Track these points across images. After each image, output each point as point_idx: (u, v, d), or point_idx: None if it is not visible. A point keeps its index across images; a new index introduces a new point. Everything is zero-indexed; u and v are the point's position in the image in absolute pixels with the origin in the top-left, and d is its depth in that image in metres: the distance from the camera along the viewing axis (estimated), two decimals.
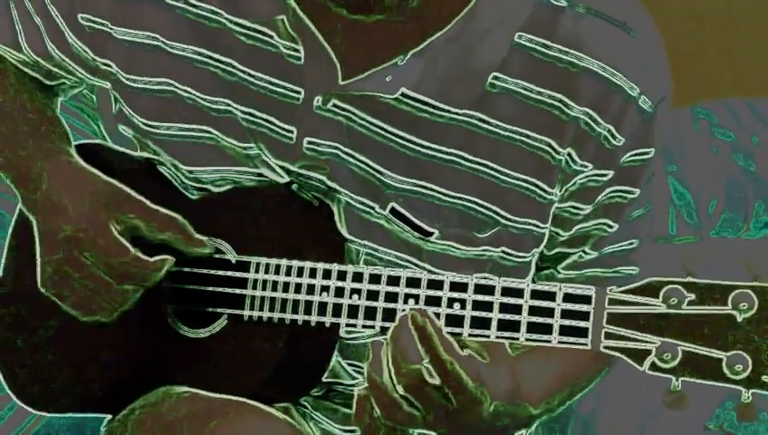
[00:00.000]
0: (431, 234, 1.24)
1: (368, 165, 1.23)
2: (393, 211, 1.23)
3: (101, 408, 1.36)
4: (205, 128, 1.27)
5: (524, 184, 1.22)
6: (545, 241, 1.26)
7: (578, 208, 1.25)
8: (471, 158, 1.21)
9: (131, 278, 1.24)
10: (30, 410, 1.37)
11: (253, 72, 1.23)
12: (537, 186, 1.22)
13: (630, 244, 1.29)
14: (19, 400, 1.37)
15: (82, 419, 1.46)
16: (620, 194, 1.24)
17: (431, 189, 1.22)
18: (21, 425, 1.64)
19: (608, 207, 1.25)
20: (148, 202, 1.25)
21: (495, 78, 1.19)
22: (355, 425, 1.14)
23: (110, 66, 1.30)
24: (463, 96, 1.19)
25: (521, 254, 1.26)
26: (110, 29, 1.28)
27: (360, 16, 1.14)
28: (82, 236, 1.23)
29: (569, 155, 1.20)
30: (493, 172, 1.21)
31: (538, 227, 1.24)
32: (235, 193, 1.28)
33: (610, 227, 1.26)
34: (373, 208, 1.24)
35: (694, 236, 2.15)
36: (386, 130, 1.21)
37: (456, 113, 1.20)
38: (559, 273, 1.31)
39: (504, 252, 1.25)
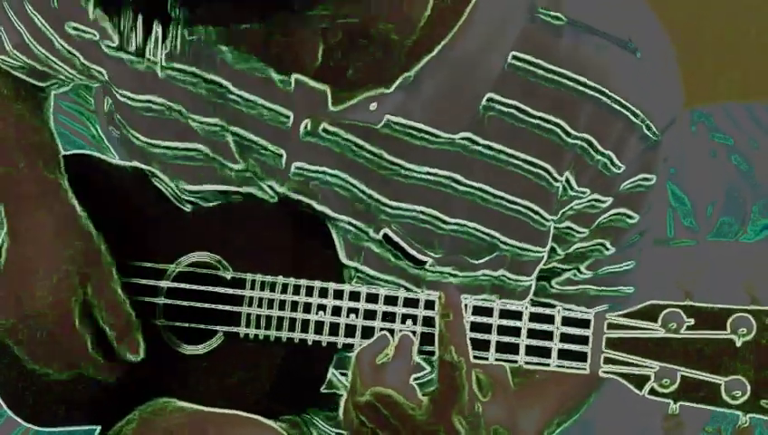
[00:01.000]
0: (424, 263, 1.22)
1: (360, 190, 1.21)
2: (386, 238, 1.22)
3: (93, 421, 1.36)
4: (196, 146, 1.26)
5: (522, 209, 1.19)
6: (544, 259, 1.24)
7: (575, 231, 1.22)
8: (465, 181, 1.18)
9: (77, 368, 1.25)
10: (21, 422, 1.36)
11: (243, 94, 1.22)
12: (535, 211, 1.19)
13: (628, 265, 1.27)
14: (11, 411, 1.36)
15: (74, 432, 1.45)
16: (621, 218, 1.21)
17: (426, 215, 1.20)
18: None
19: (608, 229, 1.22)
20: (112, 282, 1.25)
21: (490, 100, 1.14)
22: (343, 428, 1.15)
23: (102, 73, 1.29)
24: (454, 120, 1.16)
25: (521, 277, 1.24)
26: (99, 40, 1.26)
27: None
28: (39, 320, 1.23)
29: (566, 181, 1.17)
30: (488, 196, 1.18)
31: (538, 252, 1.22)
32: (231, 207, 1.27)
33: (607, 249, 1.24)
34: (367, 233, 1.23)
35: (691, 239, 2.14)
36: (376, 155, 1.19)
37: (451, 137, 1.16)
38: (552, 287, 1.29)
39: (503, 275, 1.23)
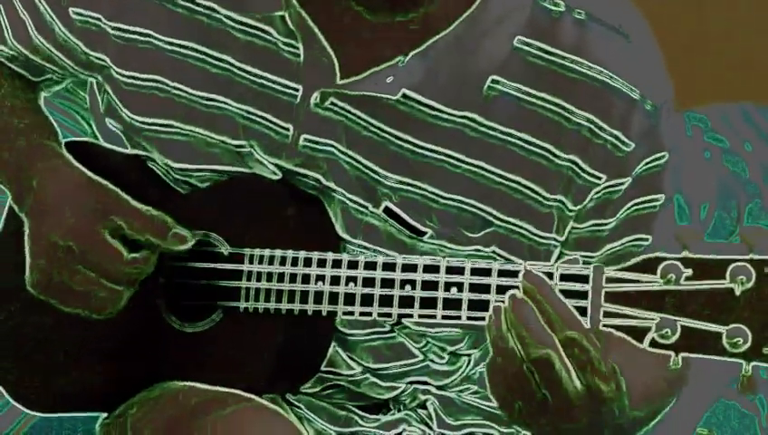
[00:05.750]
0: (424, 233, 1.23)
1: (363, 164, 1.22)
2: (387, 210, 1.23)
3: (96, 406, 1.35)
4: (194, 128, 1.26)
5: (518, 186, 1.21)
6: (555, 255, 1.24)
7: (600, 225, 1.23)
8: (465, 159, 1.20)
9: (127, 280, 1.23)
10: (23, 408, 1.36)
11: (249, 69, 1.23)
12: (532, 189, 1.21)
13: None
14: (12, 398, 1.35)
15: (75, 418, 1.45)
16: (646, 206, 1.22)
17: (425, 190, 1.22)
18: (11, 426, 1.63)
19: (636, 219, 1.23)
20: (132, 202, 1.24)
21: (495, 81, 1.18)
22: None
23: (103, 60, 1.29)
24: (462, 98, 1.19)
25: (513, 257, 1.23)
26: (104, 24, 1.27)
27: (381, 17, 1.13)
28: (71, 245, 1.22)
29: (574, 163, 1.19)
30: (487, 174, 1.21)
31: (532, 233, 1.23)
32: (228, 186, 1.27)
33: (645, 240, 1.24)
34: (367, 208, 1.23)
35: None
36: (382, 130, 1.21)
37: (454, 115, 1.19)
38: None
39: (494, 251, 1.24)
